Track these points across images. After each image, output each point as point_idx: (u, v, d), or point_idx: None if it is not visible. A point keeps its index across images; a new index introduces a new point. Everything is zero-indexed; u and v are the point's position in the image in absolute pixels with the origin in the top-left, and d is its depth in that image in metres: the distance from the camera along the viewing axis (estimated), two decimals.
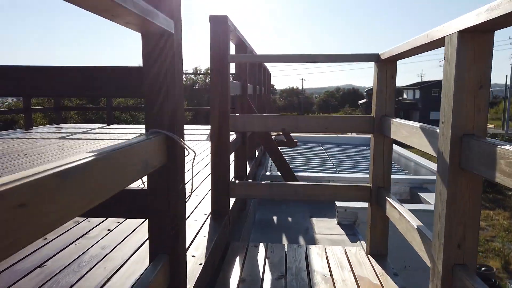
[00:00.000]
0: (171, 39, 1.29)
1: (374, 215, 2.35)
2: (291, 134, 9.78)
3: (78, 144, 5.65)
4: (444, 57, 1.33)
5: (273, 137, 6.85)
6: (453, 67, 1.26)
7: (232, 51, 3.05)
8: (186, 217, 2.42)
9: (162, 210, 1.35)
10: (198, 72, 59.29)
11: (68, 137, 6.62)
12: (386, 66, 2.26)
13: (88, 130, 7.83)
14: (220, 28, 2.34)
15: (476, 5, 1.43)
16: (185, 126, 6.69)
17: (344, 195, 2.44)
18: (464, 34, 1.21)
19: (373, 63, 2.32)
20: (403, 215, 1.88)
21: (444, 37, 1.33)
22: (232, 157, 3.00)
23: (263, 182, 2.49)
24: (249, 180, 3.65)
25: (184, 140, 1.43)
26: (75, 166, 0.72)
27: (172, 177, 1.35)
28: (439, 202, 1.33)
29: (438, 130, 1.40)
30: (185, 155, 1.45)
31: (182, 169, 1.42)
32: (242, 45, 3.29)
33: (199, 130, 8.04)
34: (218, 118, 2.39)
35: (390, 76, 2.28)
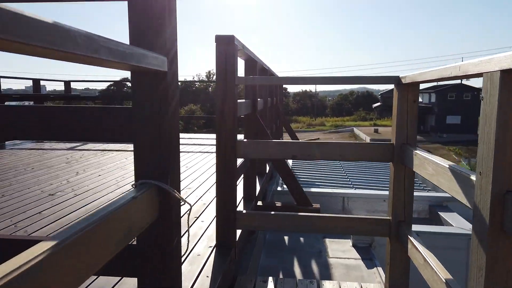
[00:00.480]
0: (164, 78, 1.13)
1: (394, 252, 2.14)
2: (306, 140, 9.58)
3: (86, 156, 5.56)
4: (482, 96, 1.13)
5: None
6: (494, 110, 1.06)
7: (241, 66, 2.89)
8: (189, 250, 2.26)
9: (153, 272, 1.18)
10: (212, 75, 59.61)
11: (78, 147, 6.55)
12: (407, 89, 2.06)
13: None
14: (227, 49, 2.17)
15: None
16: (197, 135, 6.55)
17: (360, 229, 2.24)
18: (509, 75, 1.02)
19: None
20: (428, 262, 1.67)
21: (481, 73, 1.14)
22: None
23: (273, 213, 2.30)
24: (258, 202, 3.48)
25: (178, 189, 1.26)
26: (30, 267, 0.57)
27: (165, 234, 1.19)
28: (476, 268, 1.13)
29: (473, 177, 1.20)
30: (181, 204, 1.28)
31: (177, 223, 1.25)
32: (252, 61, 3.12)
33: (210, 139, 7.90)
34: (224, 145, 2.22)
35: (412, 101, 2.08)
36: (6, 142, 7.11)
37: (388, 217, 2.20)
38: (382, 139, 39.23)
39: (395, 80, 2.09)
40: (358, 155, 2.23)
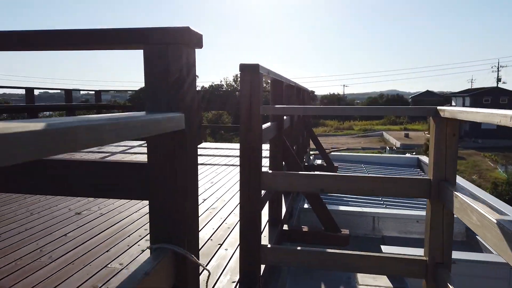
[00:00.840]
0: (181, 136, 1.05)
1: None
2: (331, 151, 9.36)
3: None
4: None
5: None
6: None
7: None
8: (211, 286, 2.18)
9: None
10: (239, 78, 59.89)
11: (107, 158, 6.65)
12: (445, 122, 1.90)
13: (128, 148, 7.88)
14: (252, 78, 2.08)
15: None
16: (223, 144, 6.53)
17: (393, 269, 2.09)
18: None
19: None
20: None
21: None
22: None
23: (299, 248, 2.19)
24: (284, 226, 3.36)
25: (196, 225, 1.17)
26: None
27: None
28: None
29: None
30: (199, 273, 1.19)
31: None
32: (278, 82, 3.02)
33: (236, 150, 7.85)
34: (247, 177, 2.13)
35: (452, 134, 1.92)
36: None
37: (424, 258, 2.04)
38: (412, 144, 38.06)
39: (432, 111, 1.94)
40: (392, 191, 2.08)
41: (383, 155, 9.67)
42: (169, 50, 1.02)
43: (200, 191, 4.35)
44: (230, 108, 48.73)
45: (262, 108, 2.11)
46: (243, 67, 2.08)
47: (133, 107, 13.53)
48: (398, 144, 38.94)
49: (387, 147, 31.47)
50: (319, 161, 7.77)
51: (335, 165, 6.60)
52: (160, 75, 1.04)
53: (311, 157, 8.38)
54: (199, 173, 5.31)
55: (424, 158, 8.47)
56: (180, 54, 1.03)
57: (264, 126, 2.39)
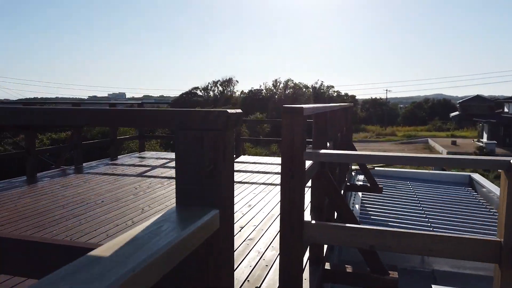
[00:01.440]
0: (216, 236, 0.90)
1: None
2: (376, 166, 8.95)
3: (153, 186, 5.63)
4: None
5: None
6: None
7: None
8: None
9: None
10: (278, 83, 59.82)
11: (147, 173, 6.71)
12: None
13: (167, 162, 7.94)
14: (294, 121, 1.92)
15: None
16: (262, 158, 6.36)
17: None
18: None
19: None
20: None
21: None
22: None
23: None
24: (326, 264, 3.15)
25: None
26: None
27: None
28: None
29: None
30: None
31: None
32: (321, 115, 2.83)
33: (277, 164, 7.69)
34: (288, 227, 1.96)
35: None
36: (84, 164, 7.54)
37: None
38: (460, 152, 36.07)
39: (505, 165, 1.68)
40: (453, 251, 1.83)
41: (430, 171, 9.11)
42: (204, 138, 0.88)
43: (236, 217, 4.22)
44: (269, 114, 48.63)
45: (306, 154, 1.94)
46: (286, 111, 1.92)
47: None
48: (444, 152, 37.08)
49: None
50: (361, 178, 7.43)
51: (379, 185, 6.26)
52: (193, 164, 0.90)
53: (353, 172, 8.06)
54: (236, 193, 5.19)
55: (477, 177, 7.88)
56: (216, 141, 0.89)
57: (307, 164, 2.21)
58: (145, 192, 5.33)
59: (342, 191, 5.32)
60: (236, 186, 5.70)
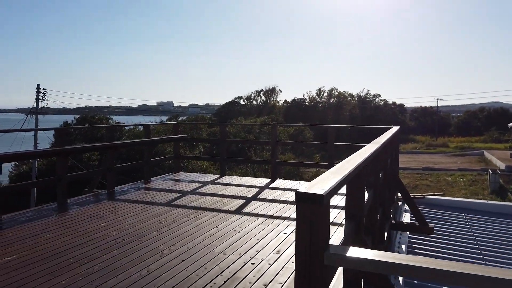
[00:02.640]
0: None
1: None
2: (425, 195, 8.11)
3: (179, 220, 5.31)
4: None
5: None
6: None
7: None
8: None
9: None
10: (322, 92, 58.72)
11: (176, 201, 6.43)
12: None
13: (200, 187, 7.64)
14: (313, 213, 1.44)
15: None
16: (297, 183, 5.76)
17: None
18: None
19: None
20: None
21: None
22: None
23: None
24: None
25: None
26: None
27: None
28: None
29: None
30: None
31: None
32: (357, 178, 2.32)
33: None
34: None
35: None
36: (116, 188, 7.42)
37: None
38: None
39: None
40: None
41: (491, 201, 8.14)
42: None
43: (256, 270, 3.75)
44: (312, 123, 47.74)
45: (327, 257, 1.45)
46: (301, 198, 1.45)
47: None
48: (502, 166, 34.17)
49: (489, 170, 27.75)
50: (407, 215, 6.68)
51: (429, 222, 5.54)
52: None
53: (399, 202, 7.32)
54: (263, 232, 4.73)
55: None
56: None
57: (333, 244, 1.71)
58: (169, 227, 5.01)
59: (386, 233, 4.70)
60: (260, 219, 5.25)
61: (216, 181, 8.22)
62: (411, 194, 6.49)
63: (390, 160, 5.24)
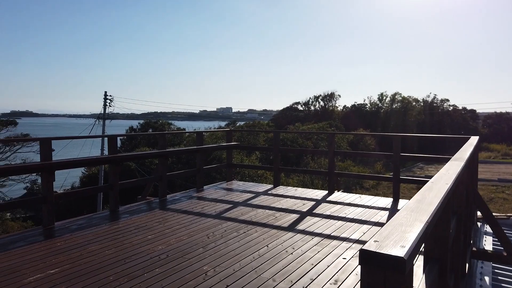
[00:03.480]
0: None
1: None
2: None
3: (227, 235, 4.95)
4: None
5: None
6: None
7: None
8: None
9: None
10: (384, 97, 56.01)
11: (225, 213, 6.10)
12: None
13: (252, 197, 7.27)
14: (388, 282, 0.94)
15: None
16: (358, 197, 5.09)
17: None
18: None
19: None
20: None
21: None
22: None
23: None
24: None
25: None
26: None
27: None
28: None
29: None
30: None
31: None
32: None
33: (377, 209, 6.44)
34: None
35: None
36: (168, 196, 7.29)
37: None
38: None
39: None
40: None
41: None
42: None
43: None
44: (373, 130, 45.70)
45: None
46: (368, 260, 0.96)
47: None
48: None
49: None
50: (489, 239, 5.72)
51: None
52: None
53: (478, 223, 6.37)
54: (315, 257, 4.20)
55: None
56: None
57: None
58: (216, 243, 4.66)
59: (467, 265, 3.95)
60: (315, 239, 4.70)
61: (269, 192, 7.80)
62: (494, 214, 5.56)
63: (471, 175, 4.46)
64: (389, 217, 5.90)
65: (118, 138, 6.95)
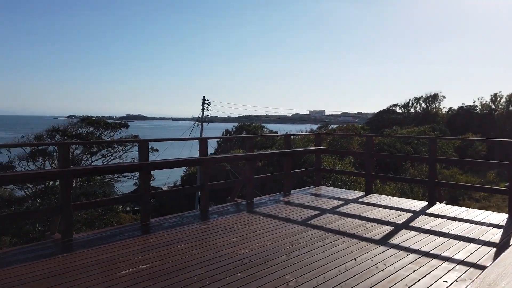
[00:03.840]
0: None
1: None
2: None
3: (312, 244, 4.72)
4: None
5: None
6: None
7: None
8: None
9: None
10: (498, 98, 49.63)
11: (312, 220, 5.87)
12: None
13: (341, 205, 6.92)
14: None
15: None
16: (465, 211, 4.41)
17: None
18: None
19: None
20: None
21: None
22: None
23: None
24: None
25: None
26: None
27: None
28: None
29: None
30: None
31: None
32: None
33: (492, 227, 5.61)
34: None
35: None
36: (256, 199, 7.31)
37: None
38: None
39: None
40: None
41: None
42: None
43: None
44: (485, 135, 40.81)
45: None
46: None
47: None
48: None
49: None
50: None
51: None
52: None
53: None
54: (410, 277, 3.73)
55: None
56: None
57: None
58: (300, 251, 4.47)
59: None
60: (411, 256, 4.19)
61: (360, 200, 7.33)
62: None
63: None
64: (503, 237, 5.06)
65: (215, 140, 7.15)
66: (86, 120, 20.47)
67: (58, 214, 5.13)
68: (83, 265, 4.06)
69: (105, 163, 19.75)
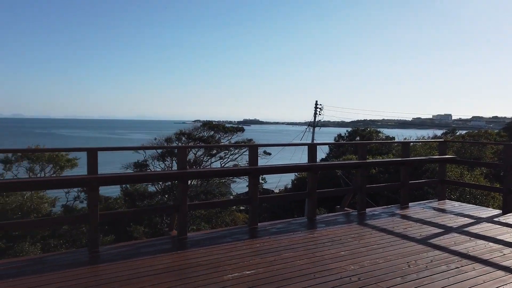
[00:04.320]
0: None
1: None
2: None
3: (433, 268, 4.13)
4: None
5: None
6: None
7: None
8: None
9: None
10: None
11: (433, 239, 5.18)
12: None
13: (470, 223, 6.00)
14: None
15: None
16: None
17: None
18: None
19: None
20: None
21: None
22: None
23: None
24: None
25: None
26: None
27: None
28: None
29: None
30: None
31: None
32: None
33: None
34: None
35: None
36: (368, 210, 6.83)
37: None
38: None
39: None
40: None
41: None
42: None
43: None
44: None
45: None
46: None
47: None
48: None
49: None
50: None
51: None
52: None
53: None
54: None
55: None
56: None
57: None
58: (419, 275, 3.95)
59: None
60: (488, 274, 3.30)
61: (495, 219, 6.26)
62: None
63: None
64: None
65: (326, 146, 6.94)
66: (208, 125, 22.13)
67: (175, 212, 5.50)
68: (194, 264, 4.23)
69: (223, 164, 21.05)
